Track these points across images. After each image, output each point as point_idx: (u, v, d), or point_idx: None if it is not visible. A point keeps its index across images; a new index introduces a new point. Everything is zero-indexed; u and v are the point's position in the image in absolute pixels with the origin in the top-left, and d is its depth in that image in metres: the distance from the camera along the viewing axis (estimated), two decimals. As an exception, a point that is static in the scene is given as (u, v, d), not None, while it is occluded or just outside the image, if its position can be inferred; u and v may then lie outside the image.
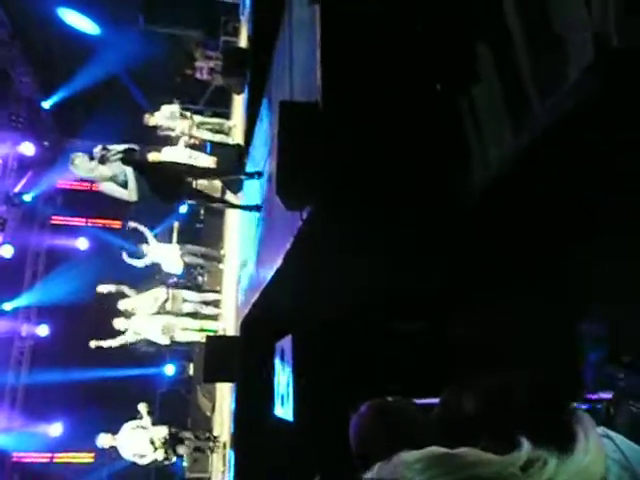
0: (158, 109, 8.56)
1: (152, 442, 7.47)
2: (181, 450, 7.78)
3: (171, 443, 7.59)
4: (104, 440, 7.48)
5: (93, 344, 7.93)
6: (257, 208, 4.96)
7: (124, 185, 4.96)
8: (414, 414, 1.36)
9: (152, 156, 7.97)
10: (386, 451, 0.80)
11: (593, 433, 0.71)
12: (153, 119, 8.35)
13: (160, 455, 7.53)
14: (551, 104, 1.91)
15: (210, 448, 8.00)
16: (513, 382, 0.85)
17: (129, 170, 4.87)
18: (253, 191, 6.49)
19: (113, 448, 7.46)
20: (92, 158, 4.98)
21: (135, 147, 5.03)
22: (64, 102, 11.63)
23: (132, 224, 8.56)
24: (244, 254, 6.86)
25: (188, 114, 8.54)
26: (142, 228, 8.61)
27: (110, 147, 5.01)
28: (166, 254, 8.76)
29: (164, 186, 4.99)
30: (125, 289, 8.17)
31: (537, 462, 0.68)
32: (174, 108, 8.48)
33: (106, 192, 5.14)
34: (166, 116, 8.36)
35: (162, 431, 7.60)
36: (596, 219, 2.44)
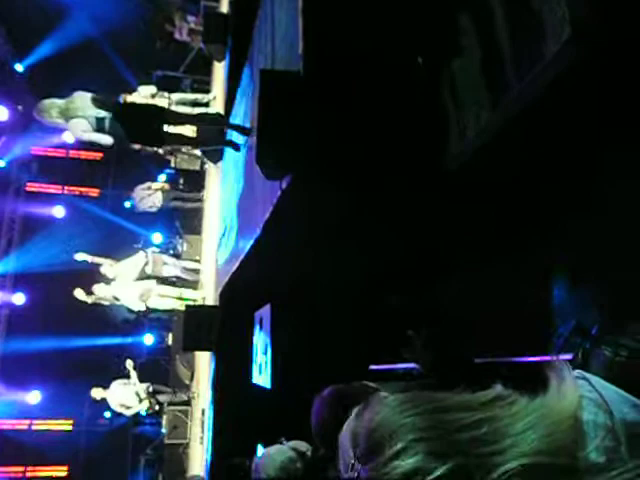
0: (135, 86, 8.39)
1: (137, 394, 8.40)
2: (162, 398, 8.74)
3: (153, 394, 8.63)
4: (96, 393, 8.39)
5: (77, 293, 8.03)
6: (243, 130, 4.55)
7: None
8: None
9: (130, 98, 7.82)
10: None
11: (567, 376, 0.74)
12: (130, 98, 8.18)
13: (145, 406, 8.48)
14: (529, 79, 1.93)
15: (188, 397, 8.75)
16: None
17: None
18: (233, 161, 6.45)
19: (103, 400, 8.42)
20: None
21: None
22: (38, 65, 11.26)
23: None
24: (225, 224, 6.85)
25: (166, 94, 8.40)
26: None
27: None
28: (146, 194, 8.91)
29: (142, 128, 4.63)
30: (101, 260, 8.18)
31: (507, 398, 0.72)
32: (151, 88, 8.34)
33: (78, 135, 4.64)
34: (144, 97, 8.20)
35: (145, 386, 8.62)
36: (574, 192, 2.50)
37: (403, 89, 2.56)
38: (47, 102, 5.29)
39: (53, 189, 12.73)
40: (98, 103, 4.77)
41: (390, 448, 0.69)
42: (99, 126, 4.67)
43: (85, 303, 8.20)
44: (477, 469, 0.67)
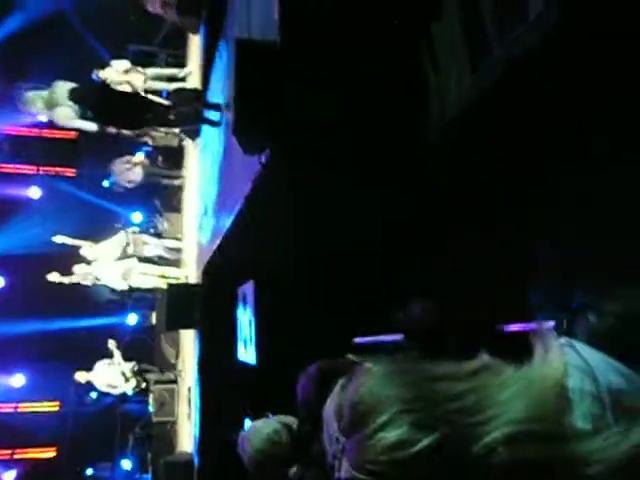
0: (108, 60, 8.16)
1: (123, 374, 8.36)
2: (149, 376, 8.68)
3: (139, 373, 8.59)
4: (80, 376, 8.27)
5: (51, 277, 7.99)
6: (220, 108, 4.76)
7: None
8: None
9: (104, 73, 7.61)
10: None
11: (553, 344, 0.74)
12: (103, 73, 7.95)
13: (132, 385, 8.44)
14: (511, 41, 1.90)
15: (175, 375, 8.73)
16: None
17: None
18: (211, 136, 6.34)
19: (88, 382, 8.35)
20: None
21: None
22: (6, 42, 10.86)
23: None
24: (205, 202, 6.77)
25: (140, 69, 8.17)
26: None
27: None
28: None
29: (120, 114, 4.89)
30: (80, 243, 8.09)
31: (493, 368, 0.71)
32: (125, 63, 8.11)
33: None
34: (118, 71, 7.97)
35: (131, 365, 8.54)
36: (555, 158, 2.48)
37: (381, 54, 2.50)
38: (31, 94, 5.60)
39: (27, 170, 12.41)
40: (74, 97, 4.99)
41: (375, 420, 0.67)
42: (83, 113, 4.96)
43: (64, 285, 8.12)
44: (463, 439, 0.66)
